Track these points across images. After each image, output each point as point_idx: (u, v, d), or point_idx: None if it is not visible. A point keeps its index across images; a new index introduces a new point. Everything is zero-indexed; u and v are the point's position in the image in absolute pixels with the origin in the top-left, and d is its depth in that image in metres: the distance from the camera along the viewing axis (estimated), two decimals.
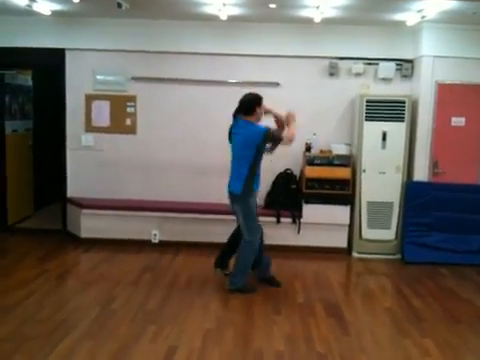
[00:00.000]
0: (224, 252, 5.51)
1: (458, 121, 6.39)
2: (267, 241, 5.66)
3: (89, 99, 6.84)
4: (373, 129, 6.30)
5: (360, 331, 4.36)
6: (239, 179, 4.97)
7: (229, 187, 5.10)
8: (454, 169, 6.40)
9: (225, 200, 6.07)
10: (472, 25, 6.11)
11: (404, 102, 6.28)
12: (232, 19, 6.27)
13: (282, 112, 5.17)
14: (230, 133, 5.17)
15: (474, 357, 3.94)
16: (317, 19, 6.00)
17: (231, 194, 5.09)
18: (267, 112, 5.23)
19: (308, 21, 6.17)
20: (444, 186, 6.34)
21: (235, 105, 5.61)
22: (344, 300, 5.13)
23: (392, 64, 6.62)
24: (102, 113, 6.83)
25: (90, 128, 6.88)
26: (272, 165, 6.08)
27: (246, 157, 4.93)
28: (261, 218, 5.72)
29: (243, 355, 3.85)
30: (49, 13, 6.17)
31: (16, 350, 3.77)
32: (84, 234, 6.65)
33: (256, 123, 5.04)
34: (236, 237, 5.29)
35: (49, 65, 7.15)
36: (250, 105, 5.04)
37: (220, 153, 5.64)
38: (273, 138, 4.95)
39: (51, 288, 5.10)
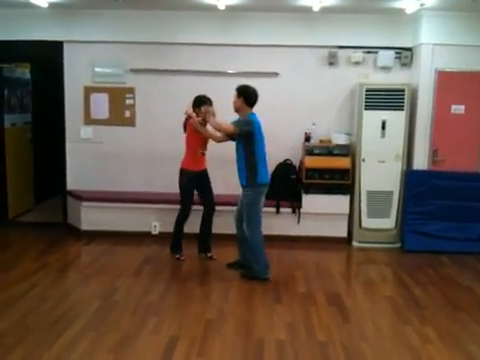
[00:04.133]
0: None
1: (458, 109, 6.37)
2: (267, 231, 5.67)
3: (88, 91, 6.82)
4: (372, 118, 6.29)
5: (361, 319, 4.39)
6: None
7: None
8: (454, 157, 6.39)
9: (225, 191, 6.12)
10: (471, 12, 6.09)
11: (403, 90, 6.26)
12: (230, 9, 6.24)
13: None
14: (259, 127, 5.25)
15: (474, 344, 3.94)
16: (316, 8, 5.98)
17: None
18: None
19: (307, 10, 6.15)
20: (444, 174, 6.33)
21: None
22: (345, 289, 5.15)
23: (391, 52, 6.60)
24: (101, 105, 6.81)
25: (89, 121, 6.87)
26: (271, 156, 6.14)
27: None
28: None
29: (244, 344, 3.86)
30: (46, 5, 6.15)
31: (19, 342, 3.78)
32: (84, 227, 6.66)
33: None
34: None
35: (47, 58, 7.13)
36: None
37: (219, 143, 5.61)
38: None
39: (53, 281, 5.12)
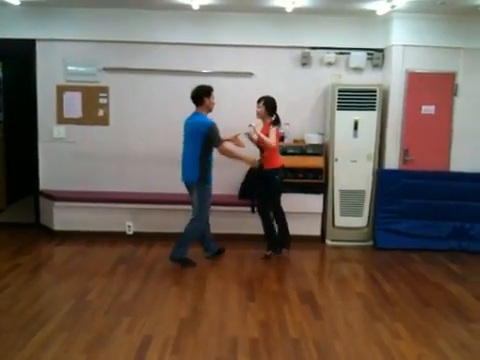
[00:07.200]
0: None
1: (428, 109, 6.50)
2: (242, 230, 5.72)
3: (60, 90, 6.75)
4: (345, 118, 6.38)
5: (333, 316, 4.45)
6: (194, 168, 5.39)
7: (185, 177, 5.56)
8: (424, 156, 6.51)
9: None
10: (441, 14, 6.22)
11: (375, 91, 6.36)
12: (204, 9, 6.25)
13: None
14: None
15: (443, 340, 4.03)
16: (289, 9, 6.03)
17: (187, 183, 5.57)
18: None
19: (280, 11, 6.20)
20: (414, 173, 6.45)
21: None
22: (318, 287, 5.21)
23: (363, 54, 6.69)
24: (74, 104, 6.75)
25: (62, 120, 6.80)
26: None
27: (196, 147, 5.33)
28: (236, 208, 5.78)
29: (218, 343, 3.88)
30: (18, 3, 6.07)
31: None
32: (57, 227, 6.60)
33: (205, 114, 5.49)
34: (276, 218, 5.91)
35: (19, 56, 7.05)
36: (199, 95, 5.44)
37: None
38: (212, 137, 5.32)
39: (25, 281, 5.06)
